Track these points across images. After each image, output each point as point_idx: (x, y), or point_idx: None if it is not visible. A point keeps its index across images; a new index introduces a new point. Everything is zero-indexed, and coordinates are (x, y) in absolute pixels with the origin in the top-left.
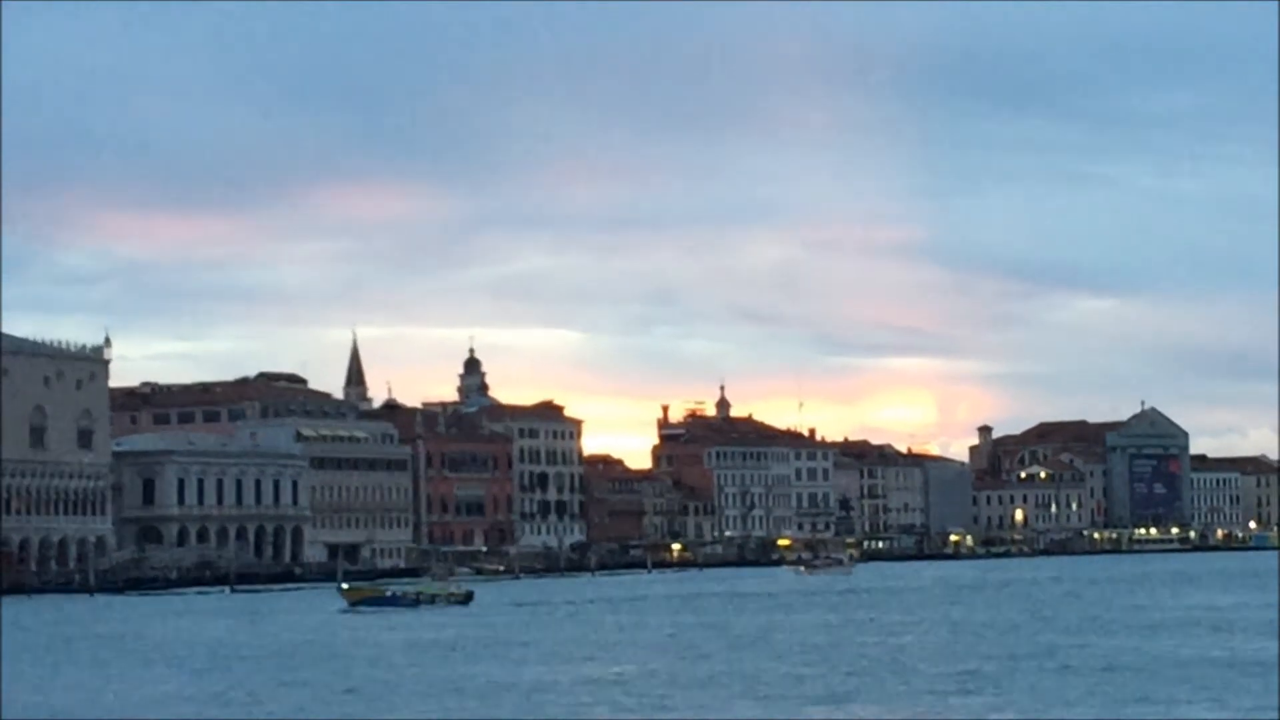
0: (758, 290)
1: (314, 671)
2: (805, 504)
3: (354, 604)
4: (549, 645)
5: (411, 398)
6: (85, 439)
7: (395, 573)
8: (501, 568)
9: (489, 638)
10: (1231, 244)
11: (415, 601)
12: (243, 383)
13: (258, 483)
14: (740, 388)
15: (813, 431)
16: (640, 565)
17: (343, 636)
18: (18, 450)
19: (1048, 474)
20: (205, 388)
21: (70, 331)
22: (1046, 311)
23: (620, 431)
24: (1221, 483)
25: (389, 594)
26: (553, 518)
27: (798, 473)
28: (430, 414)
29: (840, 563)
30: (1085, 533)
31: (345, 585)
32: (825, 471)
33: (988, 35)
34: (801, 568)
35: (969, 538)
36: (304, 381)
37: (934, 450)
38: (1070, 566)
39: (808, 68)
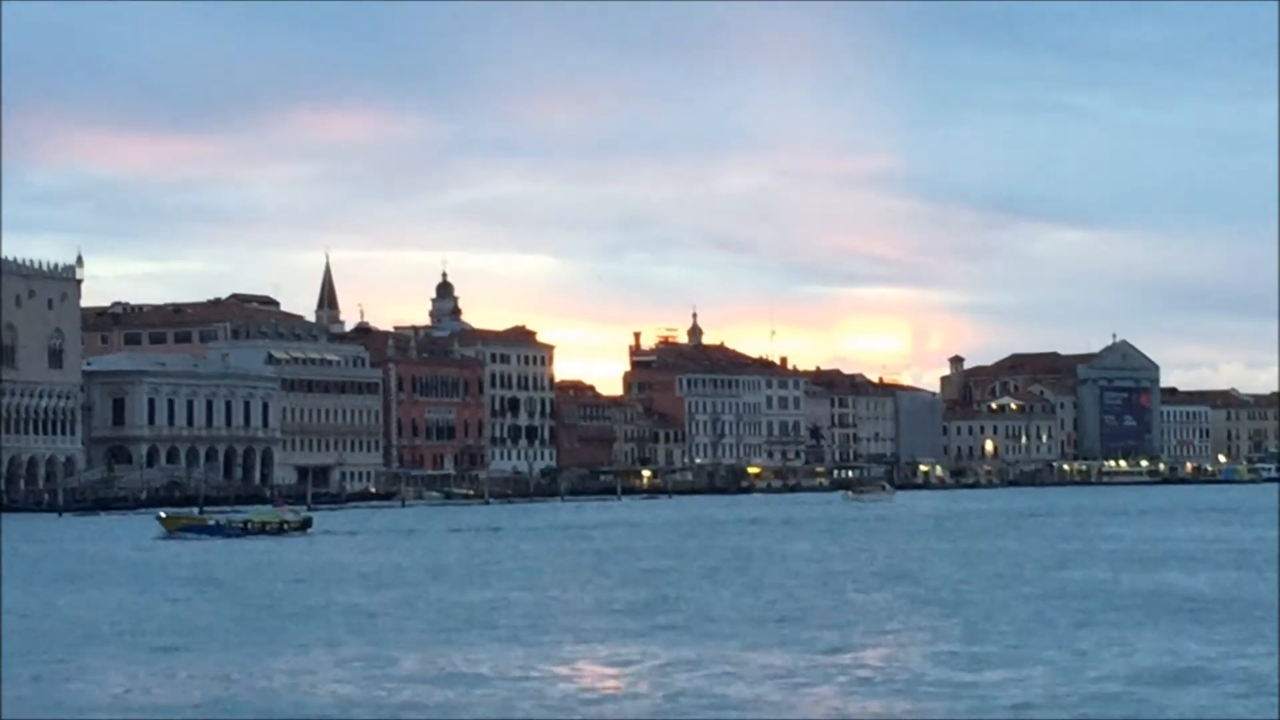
0: (732, 218)
1: None
2: (776, 432)
3: (173, 532)
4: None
5: (383, 321)
6: (56, 358)
7: (364, 495)
8: (471, 492)
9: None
10: (1207, 178)
11: (243, 530)
12: (214, 304)
13: (228, 404)
14: (712, 315)
15: (784, 360)
16: (610, 491)
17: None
18: None
19: (1018, 405)
20: (177, 308)
21: (42, 251)
22: (1020, 243)
23: (592, 357)
24: (1192, 416)
25: (212, 521)
26: (523, 443)
27: (769, 401)
28: (402, 337)
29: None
30: (1055, 464)
31: (163, 513)
32: (796, 400)
33: None
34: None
35: (938, 468)
36: (276, 303)
37: (905, 380)
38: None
39: None
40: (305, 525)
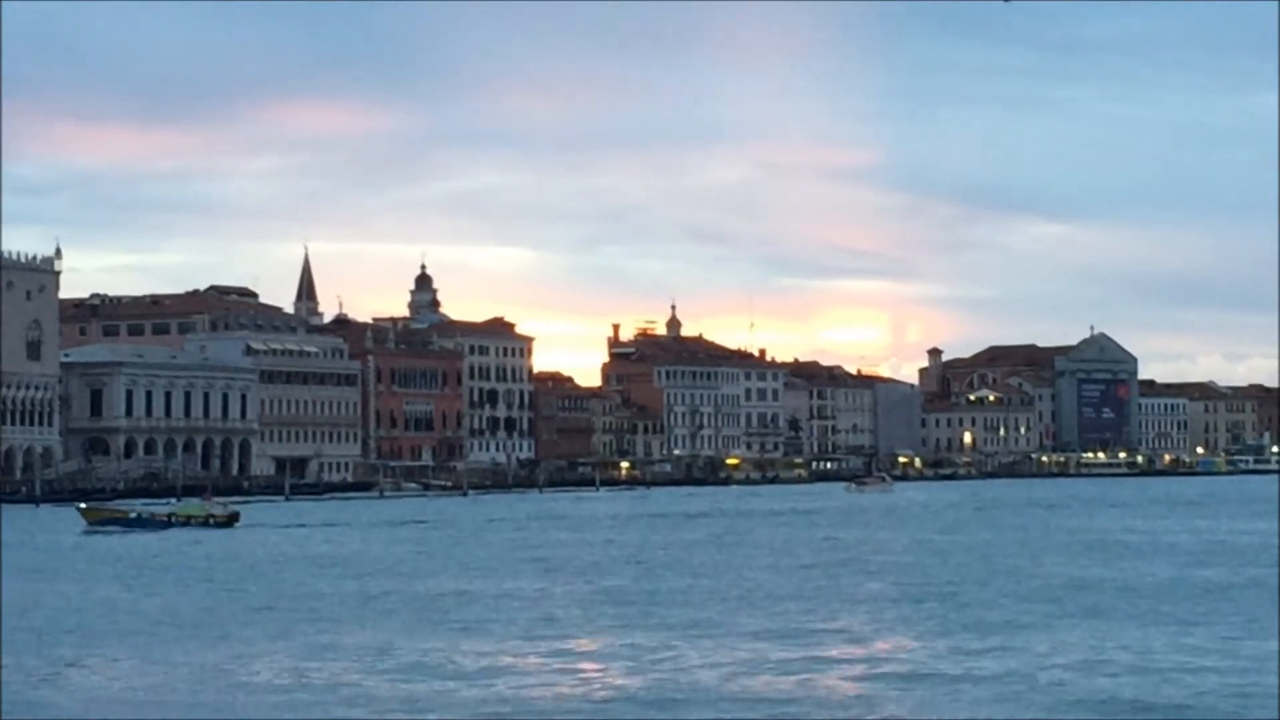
0: (711, 210)
1: None
2: (754, 424)
3: (94, 525)
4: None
5: (362, 313)
6: (34, 350)
7: (343, 486)
8: (449, 484)
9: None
10: (1186, 171)
11: (166, 524)
12: (193, 295)
13: (206, 396)
14: (691, 307)
15: (763, 352)
16: (589, 483)
17: None
18: None
19: (997, 397)
20: (155, 300)
21: (21, 242)
22: (999, 236)
23: (571, 349)
24: (1169, 408)
25: (134, 514)
26: (502, 434)
27: (747, 393)
28: (381, 329)
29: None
30: (1033, 456)
31: (83, 505)
32: (775, 392)
33: None
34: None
35: (917, 459)
36: (255, 295)
37: (884, 372)
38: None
39: None
40: (232, 519)
